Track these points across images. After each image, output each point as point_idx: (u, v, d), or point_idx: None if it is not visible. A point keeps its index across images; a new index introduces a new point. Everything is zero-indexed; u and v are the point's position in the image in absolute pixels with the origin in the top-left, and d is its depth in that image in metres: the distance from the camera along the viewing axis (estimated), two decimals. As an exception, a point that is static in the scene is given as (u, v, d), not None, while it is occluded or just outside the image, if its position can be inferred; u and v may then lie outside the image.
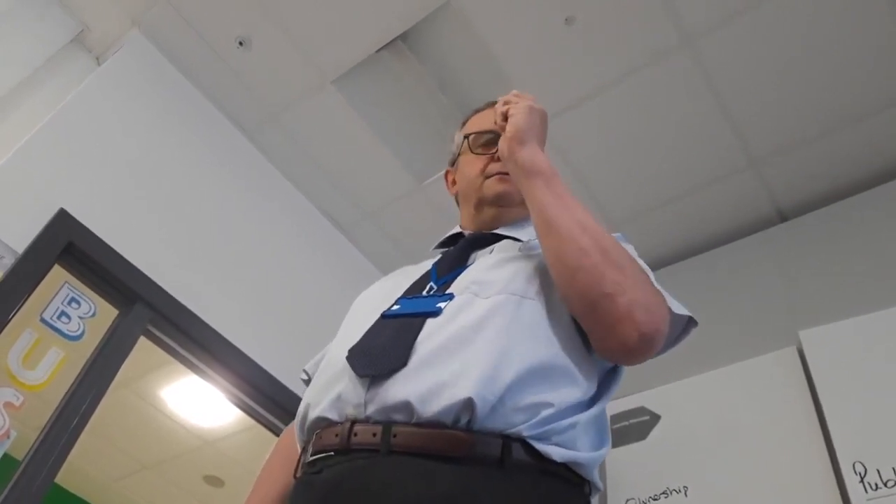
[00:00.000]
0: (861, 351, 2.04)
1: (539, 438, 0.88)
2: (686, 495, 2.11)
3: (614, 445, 2.36)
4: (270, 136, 2.75)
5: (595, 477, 0.96)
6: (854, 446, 1.89)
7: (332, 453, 0.91)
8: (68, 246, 1.98)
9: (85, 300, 2.02)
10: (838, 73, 2.27)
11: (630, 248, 1.09)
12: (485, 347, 0.91)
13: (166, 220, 2.30)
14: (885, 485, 1.78)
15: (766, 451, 2.04)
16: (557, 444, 0.89)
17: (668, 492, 2.15)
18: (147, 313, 2.13)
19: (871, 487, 1.80)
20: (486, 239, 1.20)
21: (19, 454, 1.78)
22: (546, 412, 0.89)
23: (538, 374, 0.91)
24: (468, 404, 0.86)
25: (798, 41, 2.22)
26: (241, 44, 2.47)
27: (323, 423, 0.96)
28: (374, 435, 0.88)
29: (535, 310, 0.99)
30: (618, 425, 2.41)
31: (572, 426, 0.91)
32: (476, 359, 0.90)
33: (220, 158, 2.61)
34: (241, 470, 3.97)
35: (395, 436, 0.87)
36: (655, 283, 1.01)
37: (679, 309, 1.03)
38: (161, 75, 2.51)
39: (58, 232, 1.97)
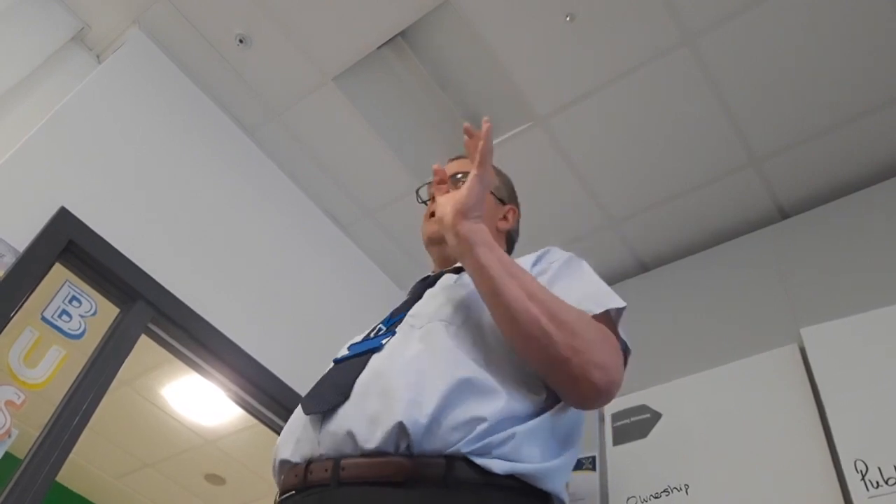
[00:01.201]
0: (863, 348, 2.04)
1: (479, 454, 0.91)
2: (687, 493, 2.11)
3: (615, 444, 2.37)
4: (271, 134, 2.75)
5: (556, 487, 0.97)
6: (855, 444, 1.88)
7: (293, 492, 0.98)
8: (69, 244, 1.98)
9: (86, 298, 2.02)
10: (839, 71, 2.27)
11: (581, 268, 1.19)
12: (406, 372, 0.96)
13: (167, 219, 2.30)
14: (887, 483, 1.78)
15: (768, 449, 2.04)
16: (498, 457, 0.91)
17: (669, 490, 2.15)
18: (148, 311, 2.13)
19: (872, 485, 1.80)
20: (436, 277, 1.27)
21: (21, 453, 1.78)
22: (481, 427, 0.91)
23: (464, 392, 0.94)
24: (401, 429, 0.90)
25: (798, 38, 2.21)
26: (241, 41, 2.47)
27: (287, 466, 1.03)
28: (326, 470, 0.94)
29: (460, 333, 1.04)
30: (619, 423, 2.41)
31: (511, 437, 0.93)
32: (399, 384, 0.95)
33: (220, 156, 2.61)
34: (242, 468, 3.97)
35: (343, 469, 0.92)
36: (606, 334, 1.04)
37: (624, 334, 1.10)
38: (161, 73, 2.50)
39: (58, 230, 1.97)
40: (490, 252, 1.03)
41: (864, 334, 2.06)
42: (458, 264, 1.29)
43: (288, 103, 2.64)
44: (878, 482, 1.79)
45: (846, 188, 2.53)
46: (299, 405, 1.09)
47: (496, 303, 1.00)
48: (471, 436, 0.91)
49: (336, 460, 0.93)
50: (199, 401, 3.53)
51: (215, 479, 4.12)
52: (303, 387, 2.47)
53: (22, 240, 1.89)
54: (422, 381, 0.94)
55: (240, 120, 2.72)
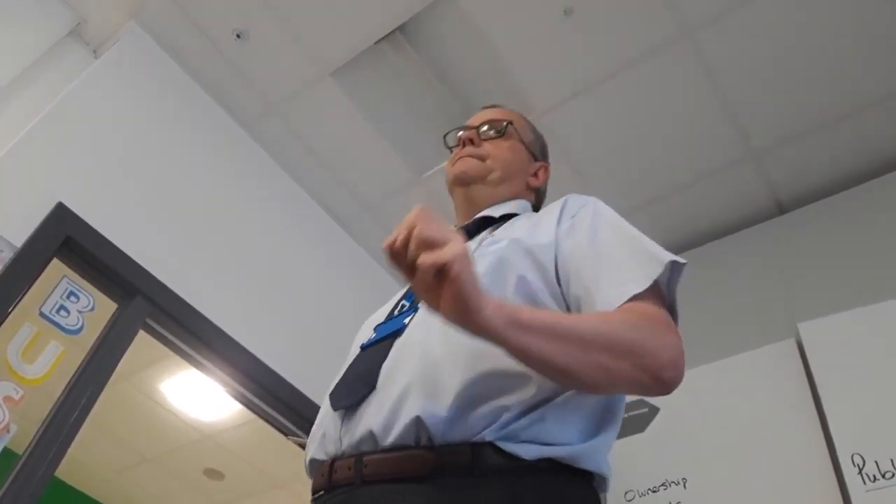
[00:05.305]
0: (860, 343, 2.04)
1: (507, 438, 0.85)
2: (685, 487, 2.12)
3: (613, 438, 2.37)
4: (268, 128, 2.74)
5: (596, 465, 0.91)
6: (852, 438, 1.89)
7: (322, 492, 0.93)
8: (67, 240, 1.98)
9: (84, 294, 2.02)
10: (838, 65, 2.27)
11: (608, 213, 1.09)
12: (424, 361, 0.90)
13: (164, 214, 2.30)
14: (884, 476, 1.79)
15: (765, 443, 2.05)
16: (528, 441, 0.86)
17: (666, 484, 2.16)
18: (146, 307, 2.13)
19: (869, 479, 1.80)
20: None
21: (19, 448, 1.78)
22: (507, 415, 0.86)
23: (486, 381, 0.88)
24: (419, 423, 0.85)
25: (797, 33, 2.21)
26: (238, 36, 2.46)
27: (316, 465, 0.98)
28: (349, 469, 0.89)
29: None
30: (617, 417, 2.42)
31: (541, 419, 0.87)
32: (417, 376, 0.89)
33: (217, 151, 2.60)
34: (240, 463, 3.98)
35: (366, 466, 0.87)
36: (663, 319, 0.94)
37: (673, 291, 1.00)
38: (159, 68, 2.50)
39: (56, 226, 1.96)
40: (521, 332, 0.82)
41: (862, 329, 2.06)
42: (483, 214, 1.21)
43: (286, 98, 2.63)
44: (875, 476, 1.80)
45: (844, 183, 2.54)
46: (327, 397, 1.02)
47: (552, 373, 0.86)
48: (497, 423, 0.85)
49: (358, 457, 0.89)
50: (197, 396, 3.53)
51: (214, 474, 4.12)
52: (300, 381, 2.48)
53: (19, 235, 1.88)
54: (440, 371, 0.88)
55: (237, 114, 2.71)
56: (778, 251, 2.54)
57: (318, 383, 2.51)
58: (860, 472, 1.82)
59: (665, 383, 0.88)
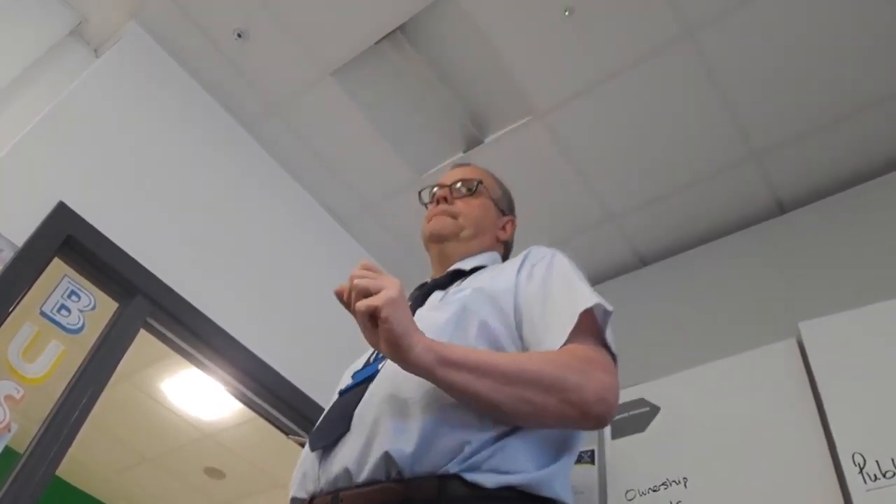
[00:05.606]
0: (861, 342, 2.04)
1: (470, 469, 0.92)
2: (685, 487, 2.12)
3: (614, 437, 2.37)
4: (269, 128, 2.74)
5: (556, 492, 0.97)
6: (853, 437, 1.89)
7: None
8: (67, 239, 1.98)
9: (84, 293, 2.02)
10: (838, 65, 2.26)
11: (562, 264, 1.17)
12: (394, 400, 0.98)
13: (165, 213, 2.30)
14: (885, 476, 1.79)
15: (766, 443, 2.05)
16: (490, 471, 0.93)
17: (667, 483, 2.16)
18: (147, 306, 2.13)
19: (870, 478, 1.80)
20: (430, 290, 1.29)
21: (20, 447, 1.78)
22: (469, 448, 0.93)
23: (448, 418, 0.95)
24: (388, 459, 0.92)
25: (798, 33, 2.21)
26: (239, 36, 2.46)
27: (297, 503, 1.05)
28: None
29: None
30: (617, 417, 2.42)
31: (501, 449, 0.94)
32: (386, 413, 0.97)
33: (218, 151, 2.60)
34: (241, 462, 3.98)
35: (342, 501, 0.94)
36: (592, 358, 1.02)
37: (609, 330, 1.08)
38: (159, 68, 2.50)
39: (57, 225, 1.96)
40: (449, 369, 0.93)
41: (863, 328, 2.06)
42: (454, 267, 1.33)
43: (286, 98, 2.63)
44: (875, 475, 1.80)
45: (845, 183, 2.54)
46: (307, 440, 1.11)
47: (480, 407, 0.95)
48: (460, 456, 0.92)
49: (335, 493, 0.95)
50: (198, 395, 3.53)
51: (215, 473, 4.13)
52: (301, 380, 2.49)
53: (20, 234, 1.88)
54: (406, 410, 0.96)
55: (238, 114, 2.71)
56: (779, 251, 2.54)
57: (318, 382, 2.53)
58: (861, 472, 1.82)
59: (595, 418, 0.96)
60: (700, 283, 2.67)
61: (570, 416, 0.95)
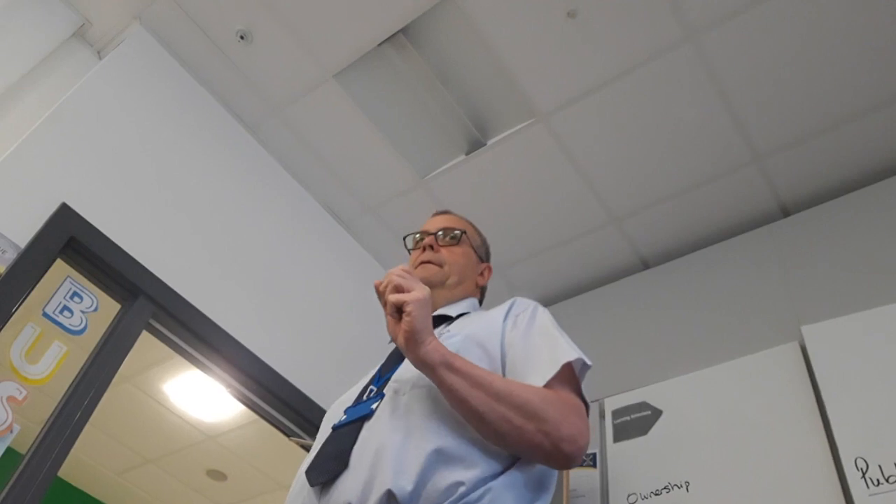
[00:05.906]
0: (863, 346, 2.04)
1: None
2: (688, 490, 2.11)
3: (616, 441, 2.37)
4: (272, 130, 2.75)
5: None
6: (856, 442, 1.88)
7: None
8: (70, 240, 1.98)
9: (87, 294, 2.02)
10: (842, 68, 2.26)
11: (544, 316, 1.29)
12: (391, 443, 1.07)
13: (168, 215, 2.30)
14: (887, 480, 1.78)
15: (768, 447, 2.04)
16: None
17: (669, 487, 2.15)
18: (149, 308, 2.13)
19: (872, 483, 1.80)
20: None
21: (23, 448, 1.78)
22: (462, 489, 1.02)
23: (440, 461, 1.04)
24: (391, 496, 1.00)
25: (801, 36, 2.21)
26: (242, 38, 2.47)
27: None
28: None
29: (439, 399, 1.13)
30: (619, 420, 2.41)
31: (487, 491, 1.03)
32: (386, 455, 1.05)
33: (221, 152, 2.61)
34: (243, 464, 3.98)
35: None
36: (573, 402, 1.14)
37: (583, 381, 1.21)
38: (162, 69, 2.50)
39: (60, 226, 1.97)
40: (450, 371, 1.09)
41: (865, 332, 2.06)
42: (440, 312, 1.42)
43: (289, 100, 2.64)
44: (878, 480, 1.80)
45: (848, 186, 2.53)
46: (302, 472, 1.19)
47: (466, 412, 1.08)
48: (453, 496, 1.01)
49: None
50: (200, 397, 3.53)
51: (217, 475, 4.13)
52: (303, 382, 2.49)
53: (23, 236, 1.89)
54: (403, 452, 1.05)
55: (241, 116, 2.71)
56: (782, 254, 2.53)
57: (321, 385, 2.53)
58: (863, 477, 1.82)
59: (565, 455, 1.08)
60: (702, 286, 2.66)
61: (541, 445, 1.07)
